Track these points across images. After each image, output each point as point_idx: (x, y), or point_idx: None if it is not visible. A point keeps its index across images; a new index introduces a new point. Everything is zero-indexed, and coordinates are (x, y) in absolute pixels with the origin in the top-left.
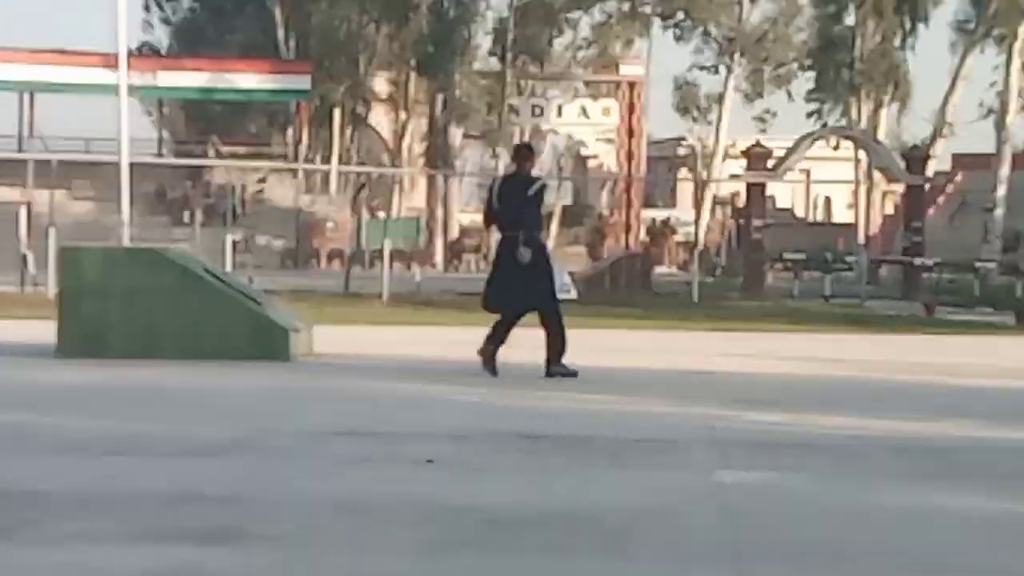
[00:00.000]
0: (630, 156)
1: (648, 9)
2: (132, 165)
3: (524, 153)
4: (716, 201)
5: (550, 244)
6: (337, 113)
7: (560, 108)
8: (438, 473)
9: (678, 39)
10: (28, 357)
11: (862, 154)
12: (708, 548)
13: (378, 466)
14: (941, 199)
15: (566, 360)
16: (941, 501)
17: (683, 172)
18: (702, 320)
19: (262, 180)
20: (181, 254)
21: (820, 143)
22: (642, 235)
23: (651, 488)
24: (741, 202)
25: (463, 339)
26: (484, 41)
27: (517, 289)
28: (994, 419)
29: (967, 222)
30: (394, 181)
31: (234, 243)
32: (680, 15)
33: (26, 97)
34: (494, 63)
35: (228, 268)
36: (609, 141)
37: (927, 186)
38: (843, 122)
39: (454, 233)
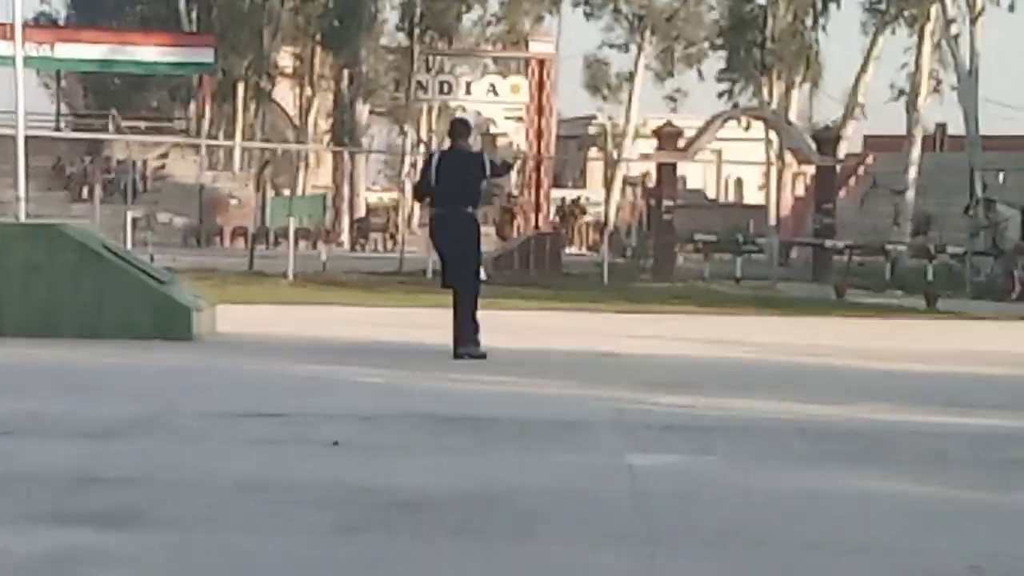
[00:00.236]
0: (540, 135)
1: None
2: (28, 139)
3: (460, 129)
4: (627, 181)
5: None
6: (241, 88)
7: (469, 85)
8: (344, 455)
9: (588, 16)
10: None
11: (773, 135)
12: (619, 530)
13: (283, 447)
14: (852, 181)
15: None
16: (853, 483)
17: (593, 151)
18: (612, 301)
19: (163, 156)
20: (80, 231)
21: (732, 123)
22: (552, 215)
23: (561, 470)
24: (652, 182)
25: (369, 319)
26: (391, 16)
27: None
28: (903, 402)
29: (878, 204)
30: (299, 158)
31: (135, 220)
32: None
33: None
34: (401, 38)
35: (129, 245)
36: (519, 119)
37: (838, 168)
38: (754, 102)
39: (360, 211)
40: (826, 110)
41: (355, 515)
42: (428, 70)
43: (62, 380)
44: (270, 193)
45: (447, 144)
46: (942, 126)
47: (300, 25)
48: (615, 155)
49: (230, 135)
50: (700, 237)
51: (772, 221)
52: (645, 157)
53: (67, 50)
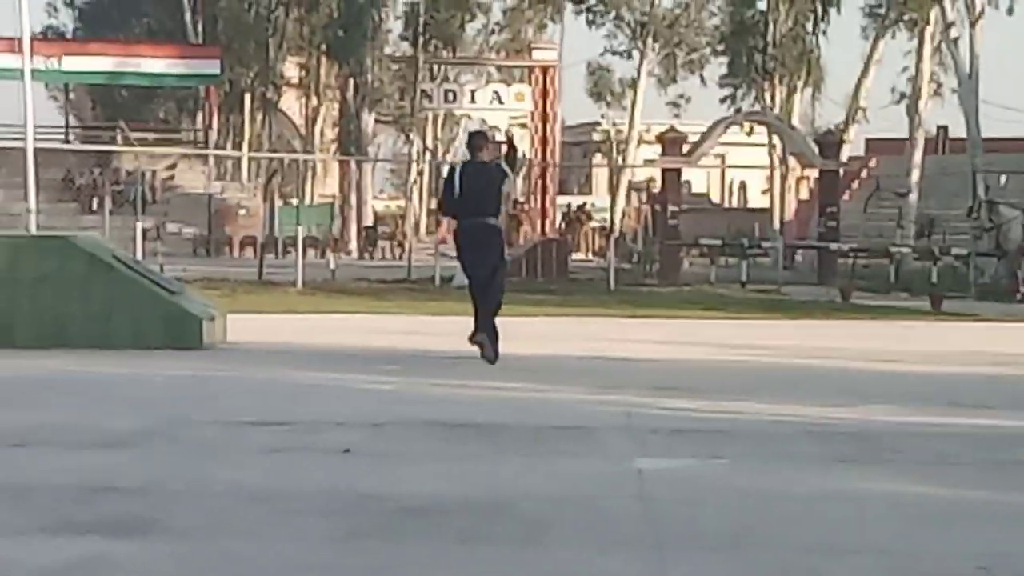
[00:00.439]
0: (544, 142)
1: None
2: (38, 151)
3: (479, 141)
4: (632, 187)
5: None
6: (247, 98)
7: (473, 93)
8: (353, 462)
9: (591, 24)
10: None
11: (776, 139)
12: (626, 536)
13: (292, 455)
14: (855, 184)
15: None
16: (858, 485)
17: (598, 158)
18: (619, 307)
19: (172, 166)
20: (90, 242)
21: (735, 128)
22: (558, 222)
23: (568, 476)
24: (657, 188)
25: (378, 326)
26: (395, 25)
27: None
28: (909, 403)
29: (881, 207)
30: (306, 167)
31: (144, 231)
32: None
33: None
34: (406, 47)
35: (139, 256)
36: (523, 127)
37: (841, 171)
38: (757, 107)
39: (368, 220)
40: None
41: (363, 522)
42: (433, 79)
43: (73, 391)
44: (278, 203)
45: (468, 156)
46: (943, 129)
47: (305, 35)
48: (619, 161)
49: (238, 145)
50: (705, 241)
51: (777, 225)
52: (649, 163)
53: (75, 63)
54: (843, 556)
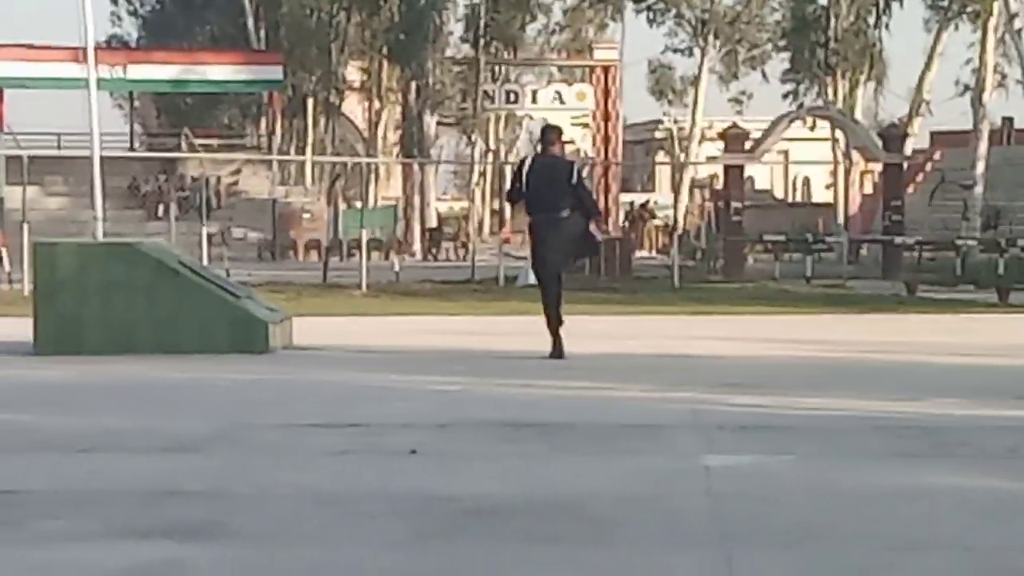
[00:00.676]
0: (606, 140)
1: None
2: (104, 159)
3: (551, 135)
4: (695, 184)
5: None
6: (310, 103)
7: (535, 94)
8: (421, 463)
9: (651, 22)
10: (5, 355)
11: (839, 134)
12: (694, 534)
13: (360, 458)
14: (920, 177)
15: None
16: (928, 480)
17: (661, 155)
18: (683, 304)
19: (236, 172)
20: (156, 248)
21: (797, 123)
22: (621, 220)
23: (635, 474)
24: (720, 184)
25: (443, 328)
26: (456, 28)
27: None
28: (978, 397)
29: (946, 200)
30: (369, 170)
31: (210, 236)
32: None
33: None
34: (467, 50)
35: (204, 261)
36: (585, 126)
37: (905, 164)
38: (819, 102)
39: (432, 221)
40: (892, 107)
41: (430, 524)
42: (494, 80)
43: (140, 396)
44: (342, 206)
45: (539, 150)
46: (1009, 120)
47: (366, 39)
48: (682, 158)
49: (301, 150)
50: (769, 237)
51: (841, 219)
52: (712, 160)
53: (139, 71)
54: (914, 552)
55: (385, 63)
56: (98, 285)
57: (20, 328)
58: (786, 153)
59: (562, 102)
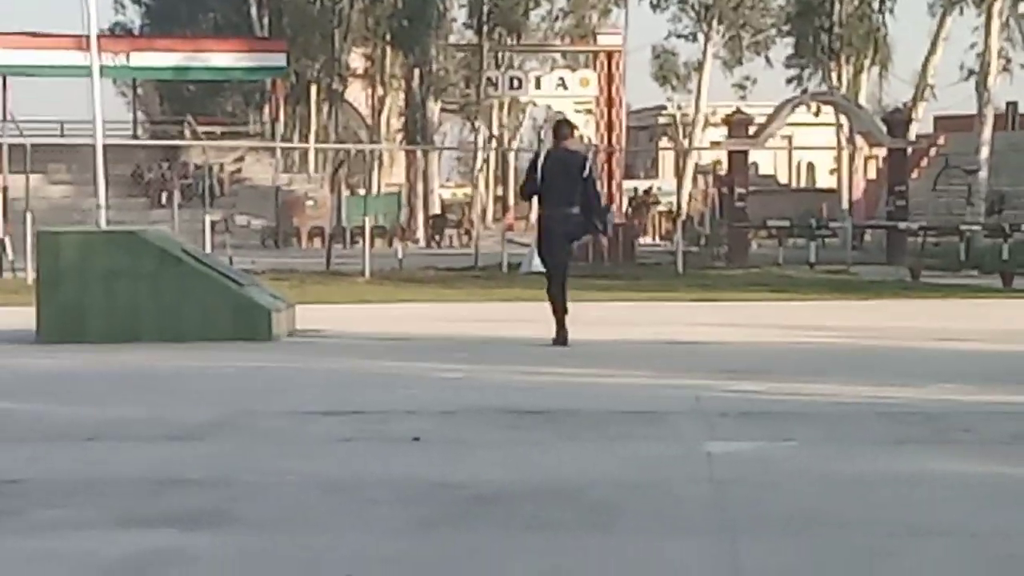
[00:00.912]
0: (610, 126)
1: None
2: (107, 147)
3: (564, 130)
4: (698, 170)
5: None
6: (313, 90)
7: (538, 80)
8: (423, 450)
9: (655, 7)
10: (8, 343)
11: (843, 119)
12: (697, 520)
13: (364, 445)
14: (924, 162)
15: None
16: (931, 466)
17: (664, 141)
18: (687, 290)
19: (239, 159)
20: (160, 236)
21: (801, 109)
22: (624, 206)
23: (638, 461)
24: (723, 170)
25: (446, 315)
26: (459, 14)
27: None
28: (982, 383)
29: (951, 185)
30: (373, 157)
31: (213, 223)
32: None
33: None
34: (470, 36)
35: (208, 249)
36: (589, 112)
37: (910, 150)
38: (823, 87)
39: (435, 208)
40: (896, 92)
41: (434, 511)
42: (498, 66)
43: (143, 384)
44: (345, 193)
45: (552, 144)
46: (1013, 104)
47: (370, 26)
48: (686, 144)
49: (304, 137)
50: (773, 223)
51: (845, 205)
52: (716, 145)
53: (142, 59)
54: (916, 537)
55: (388, 50)
56: (101, 273)
57: (23, 317)
58: (790, 138)
59: (565, 88)
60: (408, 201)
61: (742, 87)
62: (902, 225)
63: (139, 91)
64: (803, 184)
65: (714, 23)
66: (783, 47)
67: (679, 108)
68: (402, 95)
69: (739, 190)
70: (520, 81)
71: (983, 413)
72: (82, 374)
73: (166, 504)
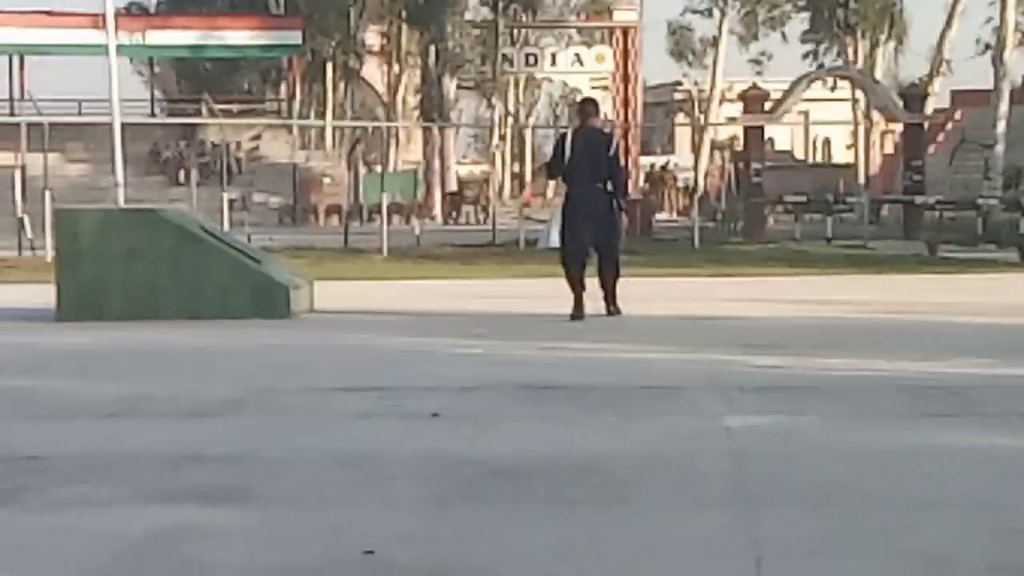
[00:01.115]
0: (626, 103)
1: None
2: (125, 125)
3: (589, 108)
4: (714, 145)
5: (550, 194)
6: (329, 68)
7: (554, 56)
8: (442, 426)
9: None
10: (28, 321)
11: (860, 94)
12: (716, 494)
13: (382, 421)
14: (941, 137)
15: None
16: (950, 440)
17: (680, 117)
18: (704, 266)
19: (256, 137)
20: (178, 214)
21: (818, 84)
22: (641, 182)
23: (657, 435)
24: (740, 146)
25: (464, 291)
26: None
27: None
28: (1001, 356)
29: (967, 159)
30: (389, 134)
31: (231, 201)
32: None
33: (15, 60)
34: (485, 12)
35: (226, 227)
36: (604, 88)
37: (926, 124)
38: (839, 62)
39: (452, 185)
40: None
41: (454, 486)
42: (513, 43)
43: (163, 362)
44: (362, 170)
45: (577, 123)
46: None
47: (386, 3)
48: (702, 120)
49: (321, 115)
50: (790, 198)
51: (862, 180)
52: (732, 120)
53: (159, 37)
54: (935, 511)
55: (404, 27)
56: (120, 251)
57: (43, 295)
58: (806, 114)
59: (581, 64)
60: (425, 178)
61: (758, 62)
62: (919, 200)
63: (156, 69)
64: (819, 159)
65: None
66: (799, 22)
67: (695, 84)
68: (418, 72)
69: (755, 165)
70: (536, 58)
71: (1002, 387)
72: (102, 352)
73: (187, 480)
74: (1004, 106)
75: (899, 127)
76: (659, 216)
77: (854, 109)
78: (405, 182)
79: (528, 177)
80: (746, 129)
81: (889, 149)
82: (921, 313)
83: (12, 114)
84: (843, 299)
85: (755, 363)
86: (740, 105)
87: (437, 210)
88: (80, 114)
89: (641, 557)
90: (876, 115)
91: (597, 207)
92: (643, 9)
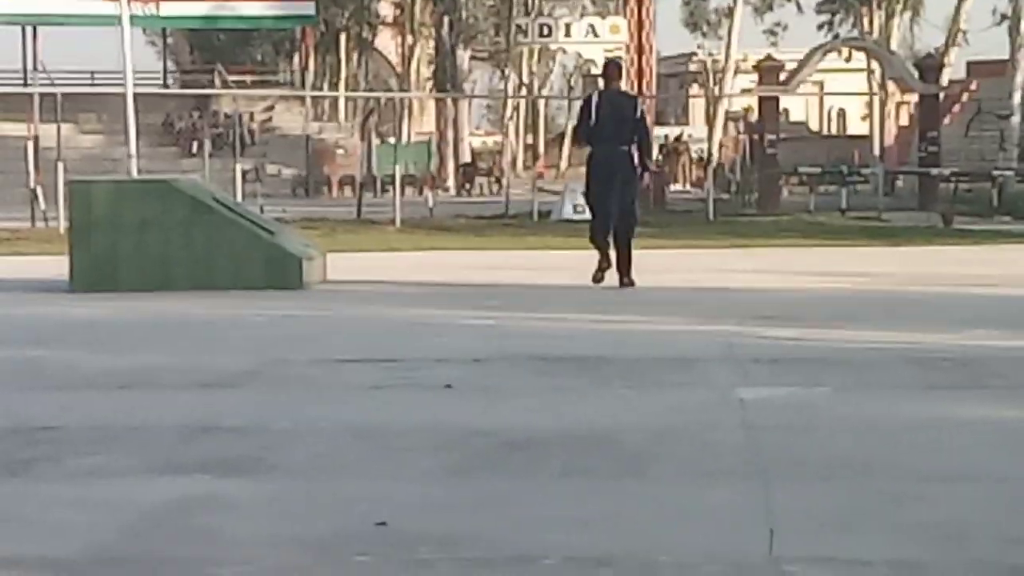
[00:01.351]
0: (640, 73)
1: None
2: (138, 96)
3: (613, 71)
4: (729, 117)
5: (563, 165)
6: (343, 38)
7: (568, 27)
8: (455, 397)
9: None
10: (41, 292)
11: (875, 65)
12: (730, 466)
13: (395, 392)
14: (956, 108)
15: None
16: (963, 412)
17: (695, 88)
18: (718, 237)
19: (270, 108)
20: (191, 185)
21: (832, 55)
22: (655, 153)
23: (670, 407)
24: (754, 117)
25: (477, 263)
26: None
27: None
28: (1015, 328)
29: (983, 131)
30: (403, 105)
31: (244, 172)
32: None
33: (29, 31)
34: None
35: (239, 198)
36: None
37: (942, 95)
38: (855, 33)
39: (465, 156)
40: (928, 38)
41: (467, 457)
42: (527, 13)
43: (176, 333)
44: (375, 141)
45: (602, 86)
46: None
47: None
48: (716, 91)
49: (334, 86)
50: (804, 170)
51: (876, 151)
52: (747, 92)
53: (172, 7)
54: (947, 483)
55: None
56: (133, 223)
57: (56, 266)
58: (821, 85)
59: (595, 35)
60: (438, 149)
61: (773, 33)
62: (934, 171)
63: (169, 40)
64: (834, 131)
65: None
66: None
67: (710, 55)
68: (432, 43)
69: (770, 137)
70: (550, 28)
71: (1015, 359)
72: (115, 323)
73: (201, 451)
74: (1020, 77)
75: (914, 98)
76: (673, 188)
77: (869, 80)
78: (418, 153)
79: (541, 148)
80: (761, 100)
81: (904, 120)
82: (935, 285)
83: (25, 85)
84: (857, 271)
85: (769, 335)
86: (755, 76)
87: (450, 181)
88: (93, 85)
89: (654, 528)
90: (891, 86)
91: (621, 169)
92: None
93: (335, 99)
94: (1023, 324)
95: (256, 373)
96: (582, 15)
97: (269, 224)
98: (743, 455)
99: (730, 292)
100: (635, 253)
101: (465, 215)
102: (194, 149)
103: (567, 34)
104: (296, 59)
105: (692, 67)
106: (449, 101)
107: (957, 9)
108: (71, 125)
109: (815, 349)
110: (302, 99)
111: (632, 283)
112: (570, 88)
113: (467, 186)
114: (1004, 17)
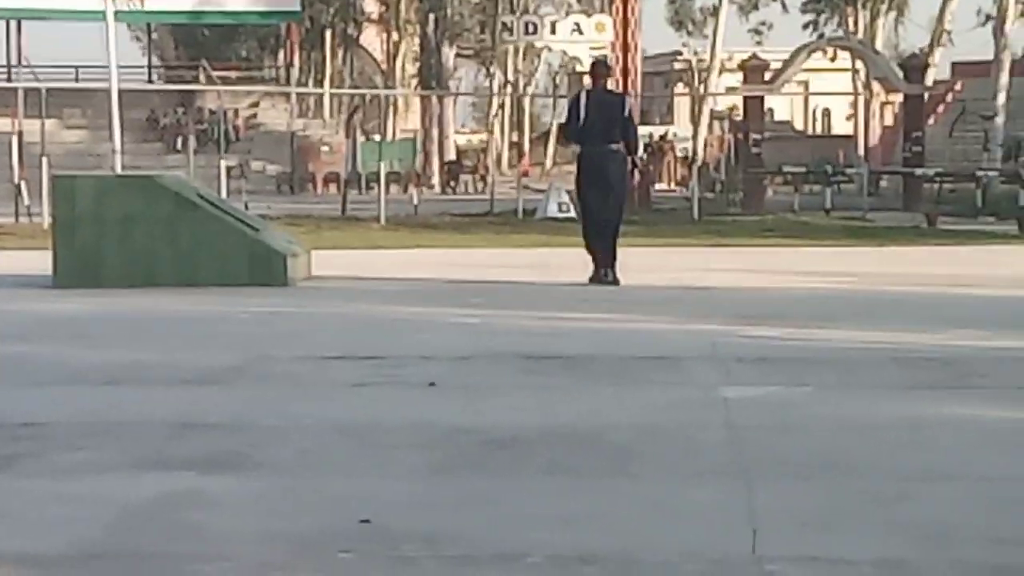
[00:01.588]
0: (625, 72)
1: None
2: (122, 92)
3: (601, 69)
4: (714, 116)
5: (548, 163)
6: (328, 35)
7: (553, 25)
8: (439, 395)
9: None
10: (25, 288)
11: (860, 64)
12: (713, 464)
13: (380, 389)
14: (941, 108)
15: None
16: (947, 411)
17: (680, 87)
18: (702, 236)
19: (255, 105)
20: (175, 181)
21: (817, 54)
22: (640, 152)
23: (654, 405)
24: (739, 116)
25: (461, 261)
26: None
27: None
28: (998, 328)
29: (967, 131)
30: (388, 103)
31: (228, 169)
32: None
33: (13, 25)
34: None
35: (223, 194)
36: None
37: (926, 95)
38: (840, 32)
39: (450, 154)
40: (912, 38)
41: (451, 455)
42: (513, 11)
43: (161, 329)
44: (360, 139)
45: (590, 85)
46: None
47: None
48: (701, 90)
49: (319, 82)
50: (789, 169)
51: (861, 151)
52: (732, 91)
53: (157, 2)
54: (931, 482)
55: None
56: (117, 218)
57: (40, 261)
58: (806, 84)
59: (581, 33)
60: (423, 147)
61: (758, 32)
62: (918, 171)
63: (154, 35)
64: (819, 130)
65: None
66: None
67: (695, 54)
68: (417, 40)
69: (754, 136)
70: (535, 26)
71: (1000, 359)
72: (99, 318)
73: (185, 448)
74: (1004, 77)
75: (899, 98)
76: (658, 186)
77: (854, 80)
78: (403, 151)
79: (527, 146)
80: (745, 99)
81: (889, 120)
82: (919, 285)
83: (10, 80)
84: (841, 271)
85: (753, 334)
86: (740, 75)
87: (435, 179)
88: (78, 80)
89: (638, 527)
90: (876, 86)
91: (610, 168)
92: None
93: (320, 96)
94: (1006, 324)
95: (241, 370)
96: (568, 13)
97: (254, 221)
98: (727, 454)
99: (714, 291)
100: (619, 252)
101: (450, 213)
102: (179, 145)
103: (553, 32)
104: (281, 55)
105: (677, 66)
106: (434, 98)
107: (942, 9)
108: (55, 120)
109: (799, 348)
110: (287, 96)
111: (617, 281)
112: (555, 86)
113: (452, 184)
114: (989, 17)
